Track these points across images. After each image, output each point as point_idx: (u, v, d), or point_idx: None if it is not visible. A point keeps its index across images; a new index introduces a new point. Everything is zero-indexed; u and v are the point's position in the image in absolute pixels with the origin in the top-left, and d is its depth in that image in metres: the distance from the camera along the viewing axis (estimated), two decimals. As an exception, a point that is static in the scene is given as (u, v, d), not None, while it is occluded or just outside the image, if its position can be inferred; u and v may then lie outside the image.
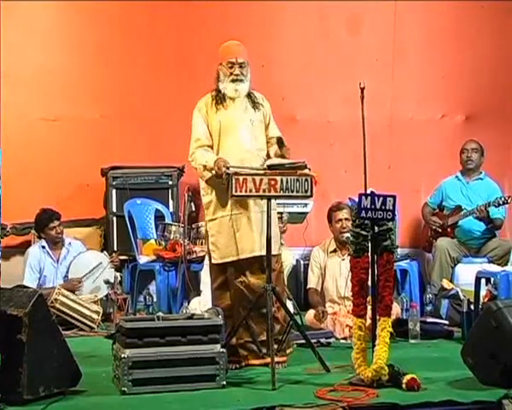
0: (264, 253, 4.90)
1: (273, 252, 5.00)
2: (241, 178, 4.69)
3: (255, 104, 5.13)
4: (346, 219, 6.25)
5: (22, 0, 7.59)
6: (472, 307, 6.17)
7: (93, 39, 7.71)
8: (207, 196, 5.07)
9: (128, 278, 7.28)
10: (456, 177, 7.21)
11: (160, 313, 4.94)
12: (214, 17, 7.78)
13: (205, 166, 4.99)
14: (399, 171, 7.73)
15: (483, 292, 6.31)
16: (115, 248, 7.28)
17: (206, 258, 6.50)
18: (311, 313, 6.23)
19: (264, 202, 4.88)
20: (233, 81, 5.06)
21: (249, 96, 5.13)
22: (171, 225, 7.04)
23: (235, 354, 4.99)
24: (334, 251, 6.39)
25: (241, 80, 5.06)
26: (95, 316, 6.50)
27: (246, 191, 4.70)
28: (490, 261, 6.75)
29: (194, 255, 6.79)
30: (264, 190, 4.71)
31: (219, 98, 5.10)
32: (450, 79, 7.97)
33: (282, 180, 4.72)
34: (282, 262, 5.25)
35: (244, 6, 7.78)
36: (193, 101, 7.63)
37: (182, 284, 6.72)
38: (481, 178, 7.16)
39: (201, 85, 7.58)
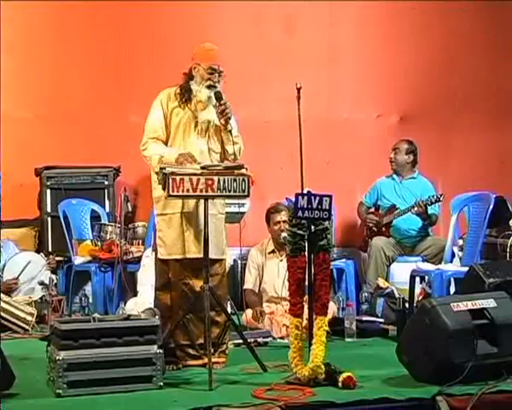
0: (211, 256, 4.92)
1: (218, 256, 5.05)
2: (177, 177, 4.66)
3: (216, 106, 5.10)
4: (284, 221, 6.30)
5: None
6: (407, 305, 6.26)
7: (27, 38, 7.60)
8: (158, 190, 4.97)
9: (63, 280, 7.19)
10: (391, 176, 7.31)
11: (96, 315, 4.88)
12: (151, 18, 7.75)
13: (161, 158, 4.92)
14: (336, 170, 7.79)
15: (417, 290, 6.42)
16: (50, 249, 7.19)
17: (144, 258, 6.49)
18: (248, 312, 6.25)
19: (215, 204, 4.94)
20: (209, 87, 5.03)
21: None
22: (108, 225, 6.98)
23: (173, 356, 4.96)
24: (273, 252, 6.44)
25: (216, 87, 5.03)
26: (29, 318, 6.40)
27: (183, 191, 4.68)
28: (424, 260, 6.85)
29: (131, 256, 6.75)
30: (201, 190, 4.69)
31: (185, 96, 5.05)
32: (386, 80, 8.06)
33: (219, 180, 4.72)
34: (225, 267, 5.24)
35: (181, 6, 7.76)
36: (129, 101, 7.67)
37: (118, 285, 6.66)
38: (415, 177, 7.27)
39: (139, 86, 7.64)
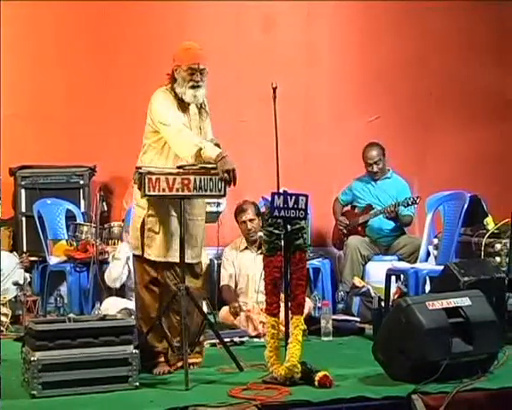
0: (193, 261, 4.95)
1: (199, 258, 5.06)
2: (153, 177, 4.65)
3: (203, 111, 5.07)
4: (249, 220, 6.38)
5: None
6: (382, 303, 6.29)
7: (5, 36, 7.52)
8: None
9: (38, 280, 7.15)
10: (365, 177, 7.34)
11: (72, 315, 4.87)
12: (130, 17, 7.73)
13: (200, 150, 4.72)
14: (312, 170, 7.81)
15: (393, 289, 6.45)
16: (25, 249, 7.15)
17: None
18: (225, 309, 6.28)
19: (201, 206, 4.97)
20: (192, 87, 4.92)
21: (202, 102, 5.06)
22: (83, 225, 6.95)
23: (155, 358, 4.95)
24: (246, 249, 6.49)
25: (200, 87, 4.94)
26: (3, 319, 6.36)
27: (159, 191, 4.66)
28: (400, 259, 6.89)
29: (107, 256, 6.73)
30: (177, 190, 4.68)
31: (176, 99, 4.95)
32: (362, 79, 8.09)
33: (195, 180, 4.70)
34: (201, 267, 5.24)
35: (160, 5, 7.74)
36: (106, 101, 7.64)
37: (94, 285, 6.64)
38: (389, 177, 7.30)
39: (115, 86, 7.62)
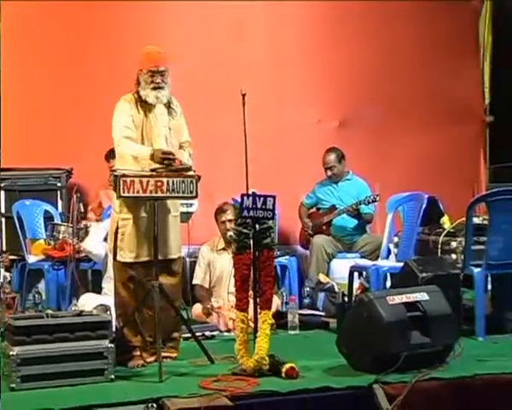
0: (169, 257, 4.95)
1: (178, 255, 5.04)
2: (128, 179, 4.65)
3: (171, 110, 5.07)
4: (229, 220, 6.36)
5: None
6: (346, 299, 6.32)
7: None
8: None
9: (17, 278, 7.08)
10: (327, 180, 7.36)
11: (49, 311, 4.83)
12: (105, 21, 7.66)
13: (135, 158, 4.84)
14: (280, 172, 7.81)
15: (356, 285, 6.48)
16: (4, 249, 7.08)
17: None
18: (197, 307, 6.26)
19: (174, 204, 4.96)
20: (154, 89, 4.94)
21: (167, 102, 5.05)
22: (60, 225, 6.89)
23: (130, 352, 4.92)
24: (224, 249, 6.46)
25: (162, 87, 4.96)
26: (-17, 315, 6.29)
27: (133, 192, 4.66)
28: (362, 256, 6.93)
29: (83, 254, 6.69)
30: (151, 191, 4.68)
31: (141, 103, 4.98)
32: (327, 85, 8.11)
33: (168, 182, 4.71)
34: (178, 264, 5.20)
35: (133, 8, 7.70)
36: (84, 104, 7.58)
37: (71, 283, 6.60)
38: (349, 179, 7.34)
39: (91, 89, 7.56)
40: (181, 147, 5.14)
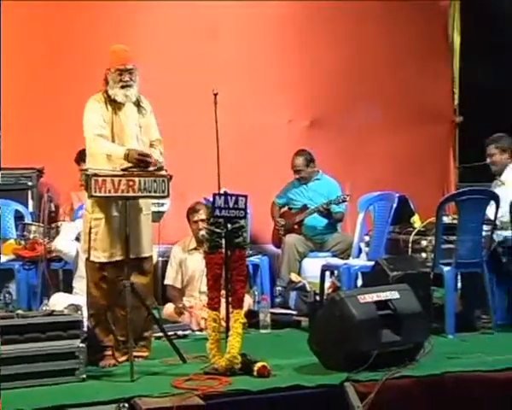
0: (144, 255, 4.95)
1: (149, 253, 5.03)
2: (100, 179, 4.63)
3: (141, 108, 5.06)
4: (201, 220, 6.35)
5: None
6: (317, 297, 6.35)
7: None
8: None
9: (-13, 278, 7.02)
10: (297, 179, 7.38)
11: (20, 311, 4.79)
12: (77, 19, 7.60)
13: (109, 156, 4.84)
14: (252, 172, 7.81)
15: (327, 284, 6.50)
16: (-27, 249, 7.01)
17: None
18: (168, 306, 6.25)
19: (145, 202, 4.94)
20: (123, 87, 4.95)
21: (136, 100, 5.04)
22: (31, 224, 6.83)
23: (102, 352, 4.90)
24: (195, 249, 6.45)
25: (131, 86, 4.97)
26: (-46, 315, 6.22)
27: (105, 192, 4.65)
28: (333, 255, 6.95)
29: (54, 254, 6.64)
30: (122, 191, 4.67)
31: (110, 102, 4.98)
32: (298, 85, 8.12)
33: (139, 181, 4.70)
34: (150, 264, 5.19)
35: (107, 8, 7.65)
36: (54, 104, 7.52)
37: (42, 282, 6.55)
38: (319, 179, 7.36)
39: (63, 89, 7.50)
40: (151, 145, 5.12)
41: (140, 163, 4.76)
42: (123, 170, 4.75)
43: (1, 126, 7.11)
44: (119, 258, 4.90)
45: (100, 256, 4.92)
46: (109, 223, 4.91)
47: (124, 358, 4.85)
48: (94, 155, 4.92)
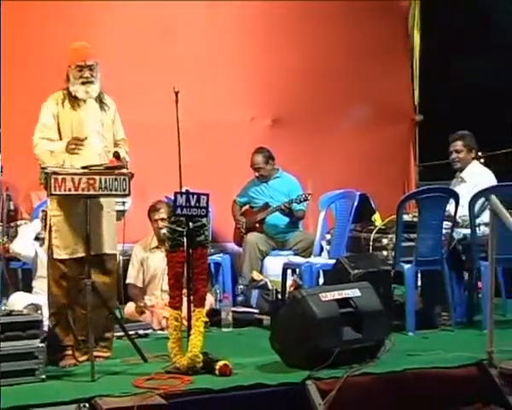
0: (105, 252, 4.93)
1: (112, 251, 5.01)
2: (59, 177, 4.60)
3: (103, 105, 5.04)
4: (162, 218, 6.34)
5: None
6: (279, 296, 6.35)
7: None
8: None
9: None
10: (257, 177, 7.39)
11: (-22, 312, 4.74)
12: (35, 18, 7.52)
13: (52, 153, 4.86)
14: (213, 170, 7.80)
15: (289, 282, 6.51)
16: None
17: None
18: (130, 306, 6.21)
19: (108, 200, 4.91)
20: (83, 83, 4.96)
21: (98, 96, 5.03)
22: (-11, 223, 6.76)
23: (62, 351, 4.86)
24: (157, 247, 6.43)
25: (92, 82, 4.98)
26: None
27: (65, 190, 4.61)
28: (295, 254, 6.95)
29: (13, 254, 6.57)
30: (82, 189, 4.64)
31: (71, 99, 4.97)
32: (260, 84, 8.13)
33: (100, 179, 4.67)
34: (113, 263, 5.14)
35: (64, 7, 7.57)
36: (14, 102, 7.41)
37: (0, 282, 6.46)
38: (279, 177, 7.37)
39: (21, 87, 7.40)
40: (116, 145, 5.10)
41: (75, 147, 4.78)
42: (83, 168, 4.72)
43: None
44: (80, 255, 4.86)
45: (60, 253, 4.89)
46: (70, 220, 4.88)
47: (84, 358, 4.81)
48: (39, 155, 4.94)
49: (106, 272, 5.01)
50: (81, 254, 4.86)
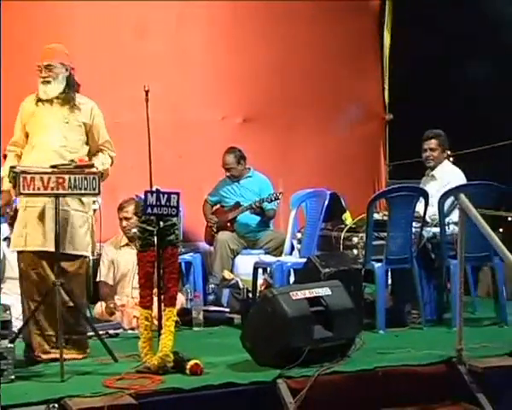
0: (75, 252, 4.91)
1: (71, 251, 4.93)
2: (28, 176, 4.56)
3: (73, 105, 5.02)
4: (125, 218, 6.39)
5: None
6: (250, 295, 6.36)
7: None
8: None
9: None
10: (229, 177, 7.38)
11: None
12: (7, 19, 7.43)
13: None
14: (184, 169, 7.78)
15: (260, 281, 6.52)
16: None
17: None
18: (100, 305, 6.17)
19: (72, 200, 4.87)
20: (42, 83, 5.00)
21: (67, 97, 5.01)
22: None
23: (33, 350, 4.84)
24: (127, 245, 6.41)
25: (49, 82, 4.99)
26: None
27: (34, 189, 4.58)
28: (266, 252, 6.97)
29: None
30: (52, 188, 4.61)
31: (38, 99, 5.02)
32: (231, 83, 8.13)
33: (70, 178, 4.64)
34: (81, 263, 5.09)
35: (35, 6, 7.51)
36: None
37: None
38: (250, 176, 7.37)
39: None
40: (100, 149, 5.13)
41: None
42: (52, 167, 4.69)
43: None
44: (37, 248, 4.84)
45: (28, 246, 4.86)
46: (38, 216, 4.85)
47: (54, 356, 4.77)
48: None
49: (75, 271, 4.96)
50: (38, 248, 4.84)
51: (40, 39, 7.09)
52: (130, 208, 6.36)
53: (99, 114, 5.15)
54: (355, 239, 6.00)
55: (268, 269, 6.53)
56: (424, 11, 7.99)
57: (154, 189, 4.78)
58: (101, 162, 5.02)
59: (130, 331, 5.84)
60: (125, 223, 6.35)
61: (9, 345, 4.35)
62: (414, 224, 5.92)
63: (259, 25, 8.21)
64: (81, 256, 5.02)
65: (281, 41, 8.25)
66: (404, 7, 8.46)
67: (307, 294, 4.64)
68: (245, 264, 6.92)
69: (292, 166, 8.09)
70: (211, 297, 6.75)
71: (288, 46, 8.28)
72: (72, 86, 5.05)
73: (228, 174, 7.32)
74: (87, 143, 5.09)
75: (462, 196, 4.71)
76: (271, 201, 7.02)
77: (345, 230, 6.09)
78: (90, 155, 5.09)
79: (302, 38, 8.34)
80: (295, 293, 4.62)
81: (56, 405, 3.91)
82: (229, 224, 7.21)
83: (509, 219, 7.29)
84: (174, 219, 4.67)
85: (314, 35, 8.40)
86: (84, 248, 5.02)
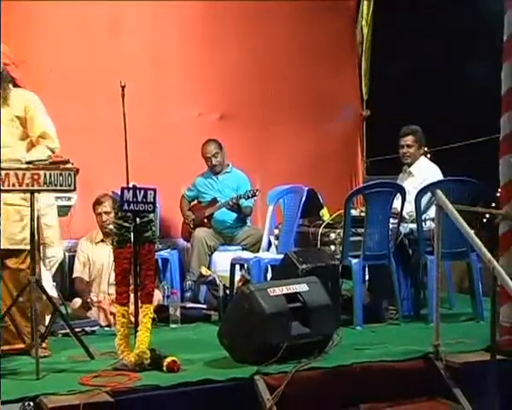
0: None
1: (9, 246, 4.88)
2: (2, 172, 4.51)
3: (4, 101, 4.96)
4: (105, 212, 6.32)
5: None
6: (227, 291, 6.35)
7: None
8: None
9: None
10: (208, 172, 7.37)
11: None
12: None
13: None
14: (161, 166, 7.75)
15: (237, 277, 6.52)
16: None
17: None
18: (75, 301, 6.14)
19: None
20: None
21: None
22: None
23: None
24: (102, 241, 6.39)
25: None
26: None
27: (8, 185, 4.53)
28: (243, 249, 6.97)
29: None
30: (27, 185, 4.56)
31: None
32: (208, 79, 8.10)
33: (45, 174, 4.60)
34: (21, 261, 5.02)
35: (4, 6, 7.42)
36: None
37: None
38: (229, 172, 7.36)
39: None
40: (37, 141, 5.05)
41: None
42: (27, 163, 4.65)
43: None
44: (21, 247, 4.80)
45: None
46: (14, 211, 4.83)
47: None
48: None
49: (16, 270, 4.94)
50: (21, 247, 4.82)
51: (11, 38, 7.07)
52: (108, 203, 6.34)
53: (34, 106, 5.06)
54: (332, 235, 6.02)
55: (245, 265, 6.52)
56: (402, 10, 8.04)
57: (130, 185, 4.75)
58: (34, 156, 4.88)
59: (106, 328, 5.82)
60: (104, 217, 6.31)
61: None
62: (391, 220, 5.94)
63: (237, 22, 8.18)
64: (22, 251, 4.94)
65: (258, 39, 8.23)
66: (383, 3, 8.49)
67: (285, 290, 4.65)
68: (222, 260, 6.92)
69: (269, 163, 8.08)
70: (188, 294, 6.74)
71: (266, 44, 8.27)
72: (2, 82, 4.98)
73: (209, 163, 7.27)
74: (28, 137, 5.04)
75: (439, 192, 4.73)
76: (248, 198, 7.00)
77: (322, 226, 6.10)
78: (32, 147, 5.03)
79: (278, 36, 8.33)
80: (273, 289, 4.62)
81: (32, 403, 3.87)
82: (205, 220, 7.20)
83: (484, 220, 7.35)
84: (151, 216, 4.66)
85: (291, 33, 8.39)
86: (17, 242, 4.94)
